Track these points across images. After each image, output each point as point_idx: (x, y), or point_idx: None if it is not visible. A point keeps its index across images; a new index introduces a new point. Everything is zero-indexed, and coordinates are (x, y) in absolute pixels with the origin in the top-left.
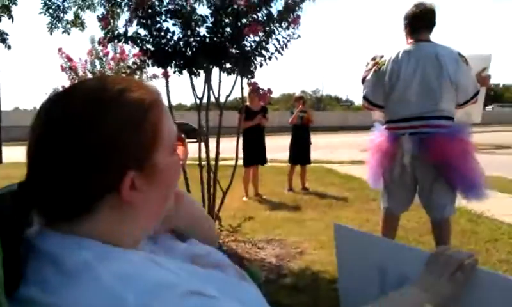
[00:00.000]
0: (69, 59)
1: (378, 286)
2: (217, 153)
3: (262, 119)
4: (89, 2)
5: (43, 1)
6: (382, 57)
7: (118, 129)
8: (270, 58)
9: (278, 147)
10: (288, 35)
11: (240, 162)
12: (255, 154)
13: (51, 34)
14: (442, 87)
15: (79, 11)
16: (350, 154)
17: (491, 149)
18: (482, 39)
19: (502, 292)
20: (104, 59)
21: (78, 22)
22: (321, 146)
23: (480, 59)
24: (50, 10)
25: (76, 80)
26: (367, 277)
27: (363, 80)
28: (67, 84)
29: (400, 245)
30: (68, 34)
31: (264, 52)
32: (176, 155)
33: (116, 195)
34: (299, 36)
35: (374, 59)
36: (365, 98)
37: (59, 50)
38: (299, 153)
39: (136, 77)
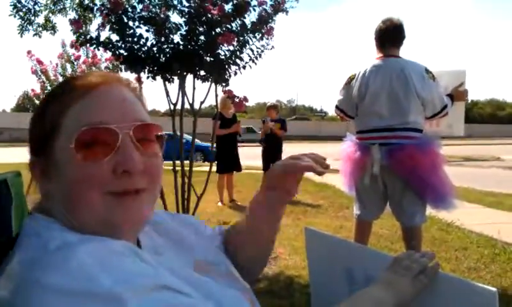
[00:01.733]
0: (39, 62)
1: (347, 287)
2: (191, 158)
3: (238, 127)
4: (61, 7)
5: (12, 3)
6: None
7: (34, 115)
8: (244, 67)
9: (254, 155)
10: (262, 45)
11: (215, 167)
12: (228, 161)
13: (21, 36)
14: (409, 100)
15: (50, 15)
16: None
17: (460, 162)
18: (454, 55)
19: (463, 295)
20: (76, 63)
21: (49, 26)
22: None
23: (456, 74)
24: (21, 13)
25: (47, 84)
26: (336, 279)
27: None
28: (36, 87)
29: (366, 248)
30: (39, 37)
31: (238, 61)
32: (83, 152)
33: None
34: (273, 47)
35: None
36: (337, 107)
37: (28, 52)
38: (271, 161)
39: None
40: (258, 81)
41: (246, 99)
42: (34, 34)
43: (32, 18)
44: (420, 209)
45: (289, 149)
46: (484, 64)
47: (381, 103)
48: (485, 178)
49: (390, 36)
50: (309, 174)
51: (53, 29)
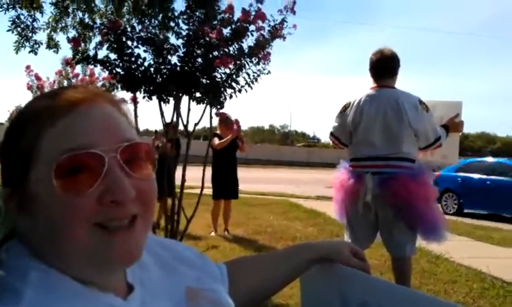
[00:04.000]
0: (37, 78)
1: None
2: (183, 180)
3: (244, 146)
4: (63, 25)
5: (11, 19)
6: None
7: (3, 144)
8: (240, 91)
9: (246, 178)
10: (259, 70)
11: (206, 191)
12: (226, 186)
13: (17, 53)
14: (402, 131)
15: (52, 33)
16: (315, 189)
17: None
18: (445, 87)
19: None
20: (73, 80)
21: (52, 44)
22: (288, 180)
23: (451, 106)
24: (19, 29)
25: None
26: (329, 304)
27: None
28: None
29: (362, 274)
30: (35, 54)
31: (234, 84)
32: (64, 183)
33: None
34: (269, 72)
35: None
36: (332, 134)
37: (27, 67)
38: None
39: None
40: (253, 105)
41: (237, 122)
42: (30, 51)
43: (30, 34)
44: (410, 240)
45: (282, 175)
46: (476, 97)
47: (374, 133)
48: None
49: (381, 67)
50: (299, 201)
51: (56, 47)
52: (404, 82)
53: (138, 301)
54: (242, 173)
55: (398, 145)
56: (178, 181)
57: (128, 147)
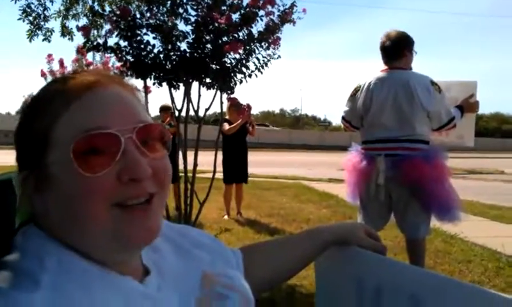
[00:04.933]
0: (61, 65)
1: (355, 297)
2: (195, 164)
3: (254, 131)
4: (74, 12)
5: (22, 8)
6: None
7: (18, 128)
8: (250, 76)
9: (257, 162)
10: (269, 55)
11: (218, 175)
12: (237, 170)
13: (30, 42)
14: (414, 112)
15: (64, 20)
16: (327, 172)
17: (464, 175)
18: (460, 67)
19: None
20: (86, 69)
21: (66, 32)
22: (299, 163)
23: (466, 86)
24: (30, 17)
25: None
26: (344, 290)
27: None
28: None
29: (377, 256)
30: (49, 42)
31: (244, 69)
32: (82, 163)
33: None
34: (279, 57)
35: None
36: (343, 118)
37: (49, 55)
38: None
39: None
40: (263, 90)
41: (249, 106)
42: (44, 39)
43: (42, 23)
44: (424, 221)
45: (295, 158)
46: (490, 77)
47: (386, 116)
48: (489, 191)
49: (388, 50)
50: (312, 183)
51: (70, 35)
52: (415, 63)
53: (155, 285)
54: (254, 156)
55: (410, 127)
56: (189, 166)
57: (143, 128)
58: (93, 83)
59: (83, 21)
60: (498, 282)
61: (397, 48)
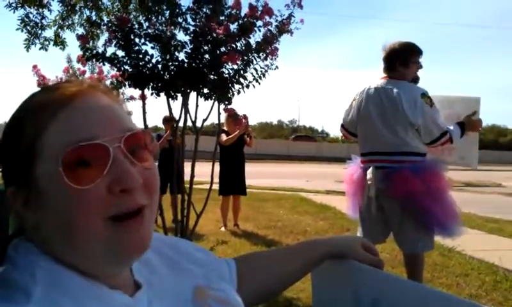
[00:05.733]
0: (43, 78)
1: None
2: (192, 176)
3: (252, 142)
4: (70, 22)
5: (20, 18)
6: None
7: (2, 143)
8: (248, 86)
9: (256, 173)
10: (266, 65)
11: (215, 186)
12: (234, 182)
13: (27, 51)
14: (399, 123)
15: (59, 30)
16: (325, 184)
17: (461, 187)
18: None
19: None
20: (81, 78)
21: (59, 41)
22: (297, 175)
23: (469, 102)
24: (28, 27)
25: None
26: (341, 303)
27: None
28: None
29: (374, 270)
30: (46, 50)
31: (241, 79)
32: (72, 176)
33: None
34: (276, 67)
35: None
36: (342, 126)
37: (34, 67)
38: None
39: None
40: (261, 100)
41: (245, 117)
42: (41, 48)
43: (39, 31)
44: (422, 237)
45: (291, 170)
46: (486, 89)
47: (374, 123)
48: (486, 204)
49: (387, 62)
50: (309, 195)
51: (62, 44)
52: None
53: (145, 300)
54: (251, 167)
55: (399, 138)
56: (186, 177)
57: (131, 136)
58: (78, 93)
59: (79, 31)
60: (496, 296)
61: (388, 60)
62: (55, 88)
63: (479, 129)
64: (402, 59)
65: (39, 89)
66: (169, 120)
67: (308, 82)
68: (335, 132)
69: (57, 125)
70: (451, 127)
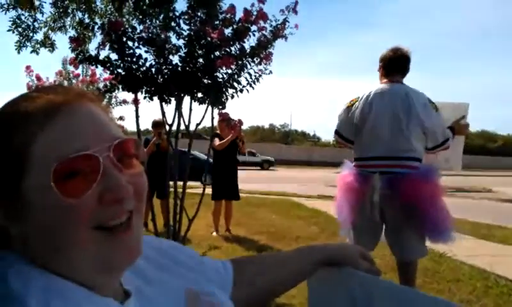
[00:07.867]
0: (38, 79)
1: None
2: (185, 180)
3: (244, 148)
4: (61, 24)
5: (12, 19)
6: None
7: None
8: (242, 91)
9: (247, 178)
10: (260, 70)
11: (208, 191)
12: (226, 187)
13: (19, 53)
14: (411, 126)
15: (49, 32)
16: (317, 188)
17: (452, 192)
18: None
19: None
20: (74, 81)
21: (48, 43)
22: (288, 179)
23: (458, 107)
24: (19, 29)
25: None
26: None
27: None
28: None
29: (371, 277)
30: (37, 54)
31: (235, 84)
32: (62, 188)
33: None
34: (270, 72)
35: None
36: (336, 132)
37: (27, 68)
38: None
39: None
40: (253, 104)
41: (240, 122)
42: (32, 51)
43: (31, 34)
44: (418, 244)
45: (283, 174)
46: (475, 95)
47: (383, 125)
48: (477, 209)
49: (397, 64)
50: (301, 200)
51: (51, 46)
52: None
53: None
54: (243, 172)
55: (407, 141)
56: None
57: (119, 145)
58: (65, 102)
59: (70, 33)
60: (487, 301)
61: (406, 64)
62: (38, 96)
63: (465, 133)
64: (409, 65)
65: (19, 95)
66: (157, 125)
67: (301, 86)
68: (327, 136)
69: (45, 137)
70: (449, 133)
